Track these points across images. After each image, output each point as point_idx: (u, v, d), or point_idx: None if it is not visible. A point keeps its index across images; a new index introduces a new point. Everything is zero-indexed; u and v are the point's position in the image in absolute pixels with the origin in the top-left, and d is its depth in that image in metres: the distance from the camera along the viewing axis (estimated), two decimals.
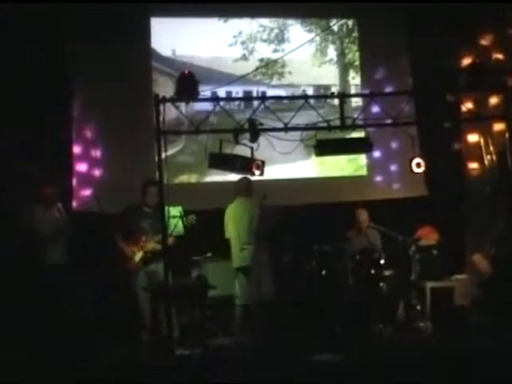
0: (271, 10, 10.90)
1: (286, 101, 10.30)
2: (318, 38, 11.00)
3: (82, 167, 10.12)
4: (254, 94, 10.80)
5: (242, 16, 10.91)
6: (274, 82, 11.00)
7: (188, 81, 7.90)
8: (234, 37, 10.89)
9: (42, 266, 8.68)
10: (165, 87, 9.91)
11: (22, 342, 8.11)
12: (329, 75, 11.19)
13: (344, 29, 11.29)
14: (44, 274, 8.64)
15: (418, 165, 8.60)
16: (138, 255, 8.82)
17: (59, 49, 9.86)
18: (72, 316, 8.65)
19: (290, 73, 10.99)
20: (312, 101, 8.89)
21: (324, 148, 8.52)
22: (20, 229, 8.85)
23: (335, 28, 11.19)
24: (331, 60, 11.21)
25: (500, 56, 10.16)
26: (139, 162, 9.99)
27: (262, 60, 10.87)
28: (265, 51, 10.95)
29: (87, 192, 10.02)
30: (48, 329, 8.29)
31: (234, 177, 9.23)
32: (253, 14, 10.94)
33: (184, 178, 10.54)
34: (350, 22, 11.25)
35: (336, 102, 9.00)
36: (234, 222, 9.22)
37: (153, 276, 8.64)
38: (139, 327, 8.77)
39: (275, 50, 10.94)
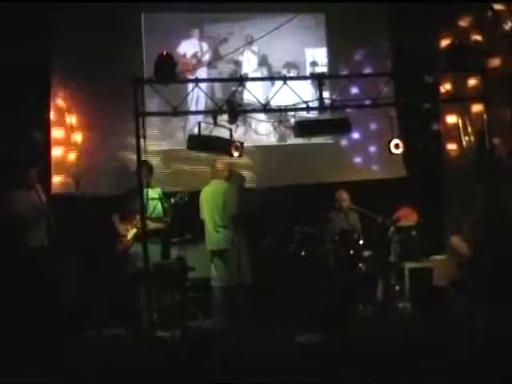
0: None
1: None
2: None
3: (60, 150, 10.04)
4: None
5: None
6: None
7: (166, 62, 7.85)
8: None
9: (24, 249, 8.63)
10: None
11: (6, 326, 8.05)
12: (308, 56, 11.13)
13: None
14: (26, 258, 8.59)
15: (397, 146, 8.61)
16: (131, 232, 8.95)
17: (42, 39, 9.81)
18: (55, 299, 8.61)
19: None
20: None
21: (303, 129, 8.52)
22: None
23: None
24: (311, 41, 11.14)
25: (479, 37, 10.16)
26: (118, 144, 9.97)
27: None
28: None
29: (66, 175, 9.95)
30: (31, 312, 8.24)
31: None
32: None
33: None
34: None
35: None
36: (208, 204, 9.24)
37: (135, 257, 8.66)
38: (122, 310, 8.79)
39: None
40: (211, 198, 9.27)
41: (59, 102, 10.02)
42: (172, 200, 8.99)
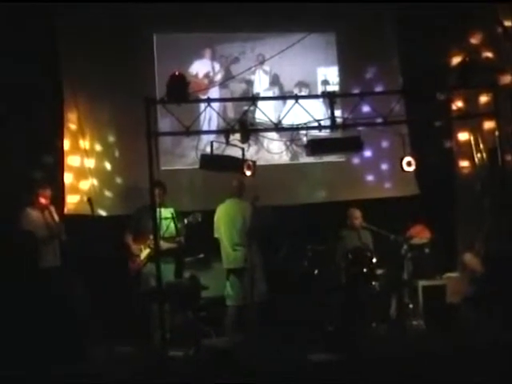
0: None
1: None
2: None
3: (73, 171, 10.06)
4: None
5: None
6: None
7: (179, 82, 7.90)
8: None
9: (37, 269, 8.66)
10: None
11: (19, 344, 8.05)
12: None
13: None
14: (39, 277, 8.62)
15: (409, 163, 8.62)
16: (145, 252, 8.96)
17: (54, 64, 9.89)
18: (68, 318, 8.63)
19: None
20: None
21: (315, 148, 8.55)
22: (15, 232, 8.83)
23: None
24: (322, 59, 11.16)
25: (490, 54, 10.17)
26: (131, 163, 10.00)
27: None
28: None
29: (79, 195, 9.98)
30: (44, 331, 8.26)
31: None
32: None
33: None
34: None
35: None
36: (226, 223, 9.23)
37: (149, 277, 8.68)
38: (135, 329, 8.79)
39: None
40: (228, 216, 9.26)
41: (72, 122, 10.05)
42: (185, 220, 9.01)
